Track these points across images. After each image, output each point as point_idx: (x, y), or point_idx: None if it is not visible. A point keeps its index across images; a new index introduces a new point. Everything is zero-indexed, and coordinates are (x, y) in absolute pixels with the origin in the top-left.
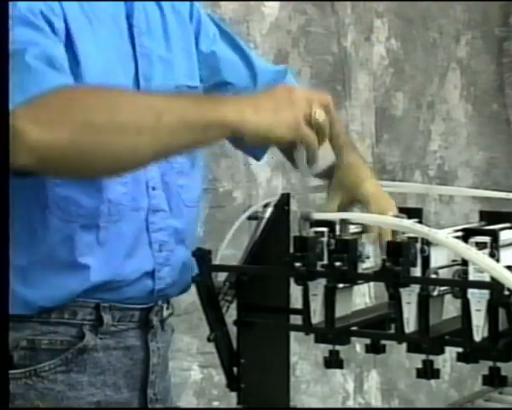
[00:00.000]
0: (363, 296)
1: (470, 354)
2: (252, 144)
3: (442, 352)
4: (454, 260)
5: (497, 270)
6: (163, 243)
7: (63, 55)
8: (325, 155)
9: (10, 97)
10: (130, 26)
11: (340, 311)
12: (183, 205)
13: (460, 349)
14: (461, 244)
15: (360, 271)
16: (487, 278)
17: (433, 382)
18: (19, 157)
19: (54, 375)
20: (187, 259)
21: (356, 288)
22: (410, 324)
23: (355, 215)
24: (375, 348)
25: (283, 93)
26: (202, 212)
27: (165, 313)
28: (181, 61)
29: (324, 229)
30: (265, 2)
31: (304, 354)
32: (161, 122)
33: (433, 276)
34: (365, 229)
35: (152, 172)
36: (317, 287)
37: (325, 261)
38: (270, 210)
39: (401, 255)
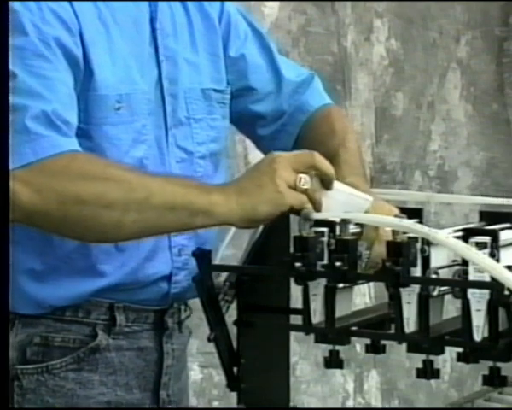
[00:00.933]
0: (363, 296)
1: (470, 354)
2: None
3: (442, 352)
4: (454, 260)
5: (497, 270)
6: (182, 247)
7: (68, 98)
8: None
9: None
10: (154, 30)
11: (341, 311)
12: None
13: (460, 349)
14: (461, 244)
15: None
16: (487, 278)
17: (433, 382)
18: (12, 214)
19: (65, 373)
20: None
21: (356, 288)
22: (410, 324)
23: (355, 215)
24: (375, 348)
25: (265, 167)
26: None
27: (183, 315)
28: (207, 65)
29: (324, 229)
30: (265, 2)
31: (304, 354)
32: (149, 203)
33: (434, 276)
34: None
35: (176, 172)
36: (317, 287)
37: (325, 261)
38: None
39: (401, 255)
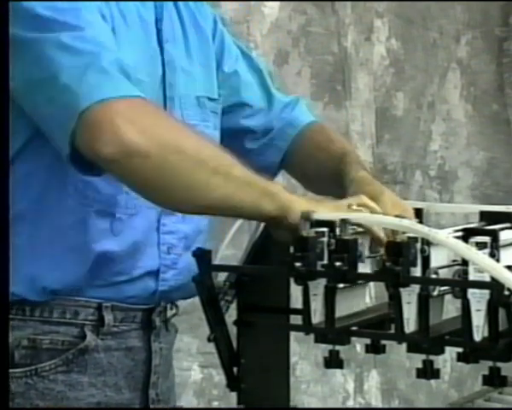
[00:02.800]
0: (365, 296)
1: (470, 354)
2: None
3: (442, 352)
4: (454, 260)
5: (497, 270)
6: (171, 246)
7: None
8: None
9: (86, 95)
10: (159, 31)
11: (349, 309)
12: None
13: (460, 349)
14: (461, 244)
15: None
16: (487, 278)
17: (433, 382)
18: (106, 148)
19: (54, 375)
20: (193, 266)
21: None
22: (410, 324)
23: (355, 215)
24: (375, 348)
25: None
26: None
27: (169, 313)
28: (201, 75)
29: (324, 229)
30: (265, 2)
31: (304, 354)
32: (232, 172)
33: (433, 276)
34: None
35: None
36: (317, 287)
37: (325, 261)
38: None
39: (401, 255)
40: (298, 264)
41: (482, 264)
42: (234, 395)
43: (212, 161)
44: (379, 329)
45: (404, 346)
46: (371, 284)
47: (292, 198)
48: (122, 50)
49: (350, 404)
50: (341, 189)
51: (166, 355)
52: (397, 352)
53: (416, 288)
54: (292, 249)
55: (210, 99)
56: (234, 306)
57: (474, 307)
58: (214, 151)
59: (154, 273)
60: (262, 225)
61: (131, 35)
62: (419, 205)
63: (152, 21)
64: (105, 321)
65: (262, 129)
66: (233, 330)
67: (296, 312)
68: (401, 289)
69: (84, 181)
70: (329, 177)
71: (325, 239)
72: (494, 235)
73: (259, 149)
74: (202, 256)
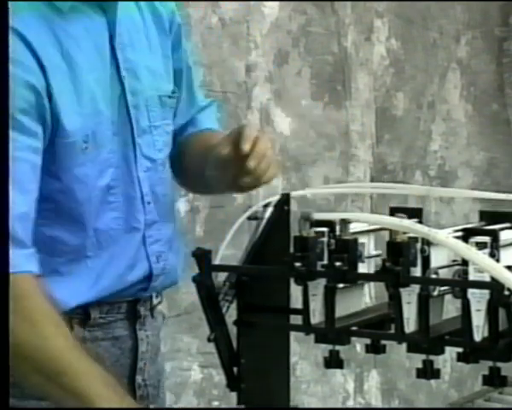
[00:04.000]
0: (363, 296)
1: (470, 354)
2: None
3: (442, 352)
4: (454, 260)
5: (497, 270)
6: (160, 254)
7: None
8: None
9: None
10: (113, 48)
11: (348, 309)
12: (170, 211)
13: (460, 349)
14: (461, 244)
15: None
16: (487, 278)
17: (433, 382)
18: None
19: None
20: (176, 262)
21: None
22: (410, 324)
23: (355, 215)
24: (375, 348)
25: None
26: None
27: (155, 301)
28: (162, 68)
29: (324, 229)
30: (265, 2)
31: (304, 354)
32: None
33: (434, 276)
34: None
35: (145, 187)
36: (317, 287)
37: (325, 261)
38: (270, 210)
39: (401, 255)
40: (298, 264)
41: (482, 264)
42: (234, 395)
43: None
44: (379, 329)
45: (404, 346)
46: (371, 283)
47: None
48: (80, 89)
49: (350, 404)
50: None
51: (153, 342)
52: (397, 352)
53: (416, 288)
54: (292, 249)
55: (169, 96)
56: (234, 306)
57: (474, 307)
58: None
59: (146, 280)
60: (262, 225)
61: (87, 66)
62: (419, 190)
63: (106, 41)
64: (91, 316)
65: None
66: (233, 330)
67: (296, 312)
68: (401, 289)
69: (50, 237)
70: (201, 172)
71: (325, 239)
72: (494, 235)
73: None
74: (202, 256)
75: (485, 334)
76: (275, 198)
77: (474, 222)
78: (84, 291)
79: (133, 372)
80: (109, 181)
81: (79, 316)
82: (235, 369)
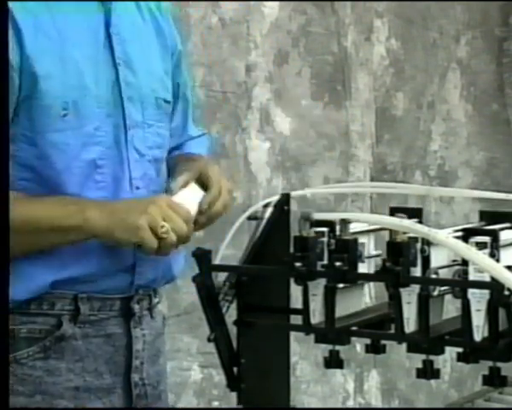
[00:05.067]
0: (363, 296)
1: (470, 354)
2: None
3: (442, 352)
4: (454, 260)
5: (497, 270)
6: None
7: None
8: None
9: None
10: (109, 35)
11: (348, 309)
12: None
13: (460, 349)
14: (461, 244)
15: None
16: (487, 278)
17: (433, 382)
18: None
19: (32, 361)
20: (168, 258)
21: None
22: (410, 324)
23: (355, 215)
24: (375, 348)
25: (145, 201)
26: None
27: (154, 301)
28: (160, 78)
29: (324, 229)
30: (265, 2)
31: (304, 354)
32: (39, 229)
33: (434, 276)
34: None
35: (135, 171)
36: (317, 287)
37: (325, 261)
38: (270, 210)
39: (401, 255)
40: (298, 264)
41: (482, 264)
42: (234, 395)
43: (18, 226)
44: (379, 329)
45: (404, 346)
46: (371, 284)
47: (96, 219)
48: (65, 61)
49: (350, 404)
50: None
51: (152, 341)
52: (397, 352)
53: (416, 288)
54: (292, 249)
55: (166, 101)
56: (234, 306)
57: (474, 307)
58: (24, 216)
59: (130, 267)
60: (262, 225)
61: (78, 43)
62: (419, 190)
63: (101, 27)
64: (81, 311)
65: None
66: (233, 330)
67: (296, 312)
68: (401, 289)
69: None
70: None
71: (325, 239)
72: (494, 235)
73: None
74: (202, 256)
75: (485, 334)
76: (275, 198)
77: (474, 222)
78: (68, 266)
79: (128, 370)
80: (96, 158)
81: (70, 312)
82: (235, 369)
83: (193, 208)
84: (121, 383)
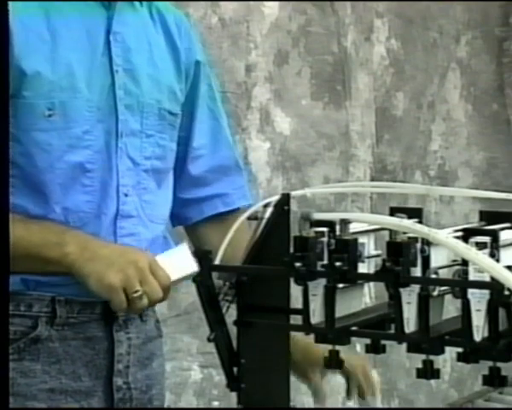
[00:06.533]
0: (363, 296)
1: (470, 354)
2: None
3: (442, 352)
4: (454, 260)
5: (497, 270)
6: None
7: None
8: (184, 266)
9: None
10: (109, 41)
11: (348, 309)
12: (148, 220)
13: (460, 349)
14: (461, 244)
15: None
16: (487, 278)
17: (433, 382)
18: None
19: None
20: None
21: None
22: (410, 324)
23: (355, 215)
24: (375, 348)
25: (126, 257)
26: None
27: None
28: (166, 88)
29: (324, 229)
30: (265, 2)
31: None
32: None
33: (433, 276)
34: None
35: (125, 178)
36: (317, 287)
37: (325, 261)
38: (270, 210)
39: (401, 255)
40: (298, 264)
41: (482, 264)
42: (234, 395)
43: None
44: (379, 329)
45: (404, 346)
46: (371, 283)
47: (74, 257)
48: (56, 62)
49: (350, 404)
50: None
51: (141, 344)
52: (397, 352)
53: (416, 288)
54: (292, 249)
55: (171, 113)
56: (234, 306)
57: (474, 307)
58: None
59: None
60: (262, 225)
61: (73, 47)
62: (419, 189)
63: (101, 33)
64: (57, 313)
65: (199, 174)
66: (233, 330)
67: (296, 312)
68: (401, 289)
69: (14, 204)
70: None
71: (325, 239)
72: (494, 235)
73: (186, 199)
74: (202, 256)
75: (485, 334)
76: (275, 198)
77: (474, 222)
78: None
79: (110, 374)
80: (84, 162)
81: (47, 314)
82: (235, 369)
83: (175, 275)
84: (102, 387)
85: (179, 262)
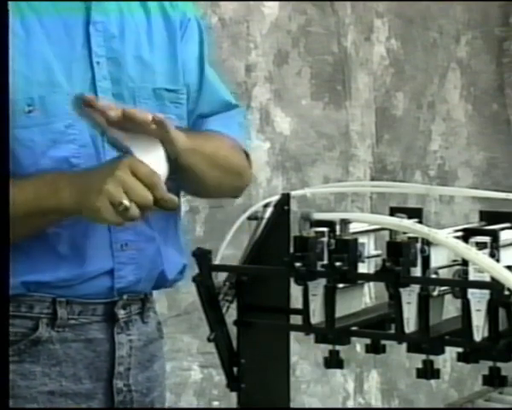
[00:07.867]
0: (363, 296)
1: (470, 354)
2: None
3: (442, 352)
4: (454, 260)
5: (497, 270)
6: (127, 242)
7: None
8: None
9: None
10: (88, 34)
11: (348, 309)
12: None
13: (460, 349)
14: (461, 244)
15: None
16: (487, 278)
17: (433, 382)
18: None
19: None
20: (157, 256)
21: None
22: (410, 324)
23: (355, 215)
24: (375, 348)
25: (105, 173)
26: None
27: (147, 305)
28: (162, 66)
29: (324, 229)
30: (265, 3)
31: (304, 354)
32: (16, 214)
33: (433, 276)
34: None
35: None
36: (317, 287)
37: (325, 261)
38: (270, 210)
39: (401, 255)
40: (298, 264)
41: (482, 264)
42: (234, 395)
43: None
44: (379, 329)
45: (404, 346)
46: (371, 283)
47: (70, 199)
48: (33, 58)
49: (350, 404)
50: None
51: (142, 346)
52: (397, 352)
53: (416, 288)
54: (292, 249)
55: (169, 90)
56: (234, 306)
57: (474, 307)
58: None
59: (109, 272)
60: (262, 225)
61: (50, 42)
62: (419, 189)
63: (80, 26)
64: (58, 315)
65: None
66: (233, 330)
67: (296, 312)
68: (401, 290)
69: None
70: None
71: (325, 239)
72: (494, 235)
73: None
74: (202, 256)
75: (485, 334)
76: (275, 198)
77: (474, 222)
78: (39, 269)
79: (111, 376)
80: (69, 156)
81: (48, 315)
82: (235, 369)
83: (160, 168)
84: (103, 389)
85: (158, 155)
